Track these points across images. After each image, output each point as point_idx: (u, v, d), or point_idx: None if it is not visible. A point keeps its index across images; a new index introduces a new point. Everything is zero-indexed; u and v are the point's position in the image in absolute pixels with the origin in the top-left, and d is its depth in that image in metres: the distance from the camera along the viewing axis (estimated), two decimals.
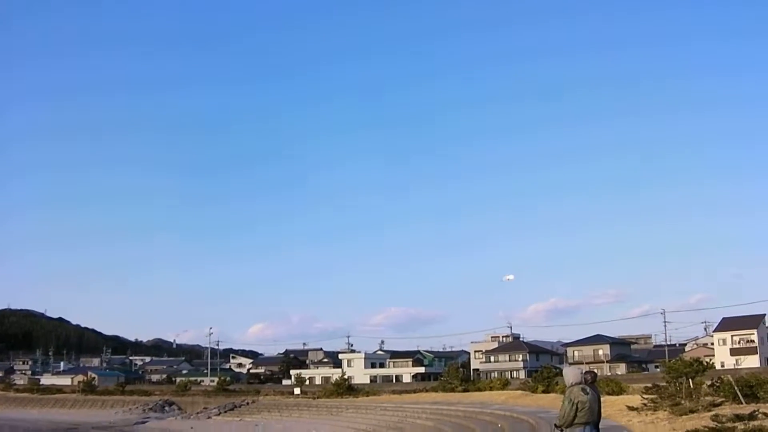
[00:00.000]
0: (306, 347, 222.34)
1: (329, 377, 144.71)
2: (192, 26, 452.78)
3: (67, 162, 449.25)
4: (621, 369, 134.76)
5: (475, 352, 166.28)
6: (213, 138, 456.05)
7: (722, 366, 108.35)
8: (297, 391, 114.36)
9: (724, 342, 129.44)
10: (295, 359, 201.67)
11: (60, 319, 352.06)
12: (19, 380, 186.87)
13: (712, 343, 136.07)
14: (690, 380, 37.64)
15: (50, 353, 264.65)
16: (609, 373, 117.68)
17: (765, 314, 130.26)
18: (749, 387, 34.69)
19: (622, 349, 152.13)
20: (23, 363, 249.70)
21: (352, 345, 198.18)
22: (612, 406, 37.00)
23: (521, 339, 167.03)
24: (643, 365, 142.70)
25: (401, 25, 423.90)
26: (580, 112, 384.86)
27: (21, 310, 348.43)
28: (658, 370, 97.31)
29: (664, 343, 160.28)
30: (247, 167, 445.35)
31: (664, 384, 40.65)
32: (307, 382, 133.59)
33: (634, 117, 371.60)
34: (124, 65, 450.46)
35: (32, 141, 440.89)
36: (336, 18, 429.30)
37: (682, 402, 33.73)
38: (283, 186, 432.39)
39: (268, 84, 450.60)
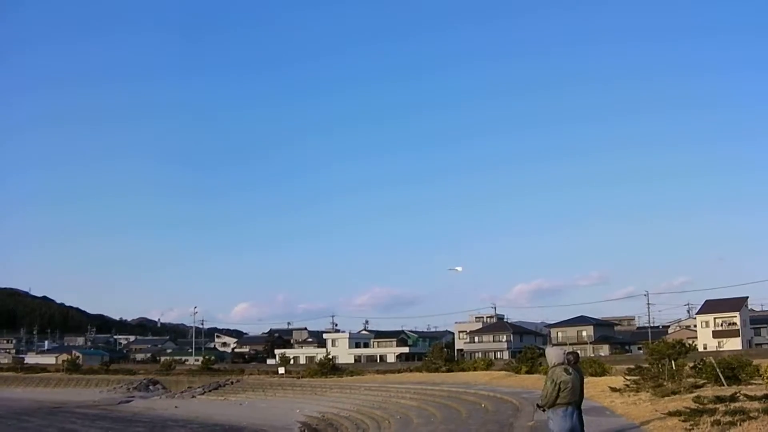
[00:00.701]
0: (291, 327, 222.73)
1: (314, 357, 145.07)
2: (189, 13, 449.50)
3: (56, 144, 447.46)
4: (604, 350, 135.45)
5: (460, 332, 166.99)
6: (204, 125, 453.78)
7: (705, 348, 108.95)
8: (281, 370, 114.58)
9: (707, 324, 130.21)
10: (280, 339, 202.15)
11: (44, 297, 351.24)
12: (3, 359, 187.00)
13: (695, 326, 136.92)
14: (672, 362, 37.86)
15: (34, 332, 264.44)
16: (592, 354, 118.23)
17: (747, 297, 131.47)
18: (731, 369, 34.93)
19: (605, 330, 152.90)
20: (7, 342, 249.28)
21: (336, 325, 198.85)
22: (595, 387, 37.18)
23: (505, 320, 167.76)
24: (626, 347, 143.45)
25: (406, 14, 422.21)
26: (572, 108, 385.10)
27: (5, 288, 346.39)
28: (641, 351, 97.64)
29: (647, 324, 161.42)
30: (231, 152, 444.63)
31: (647, 365, 40.85)
32: (292, 362, 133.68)
33: (624, 114, 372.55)
34: (120, 54, 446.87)
35: (25, 127, 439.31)
36: (336, 7, 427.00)
37: (665, 383, 33.94)
38: (268, 168, 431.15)
39: (265, 74, 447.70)
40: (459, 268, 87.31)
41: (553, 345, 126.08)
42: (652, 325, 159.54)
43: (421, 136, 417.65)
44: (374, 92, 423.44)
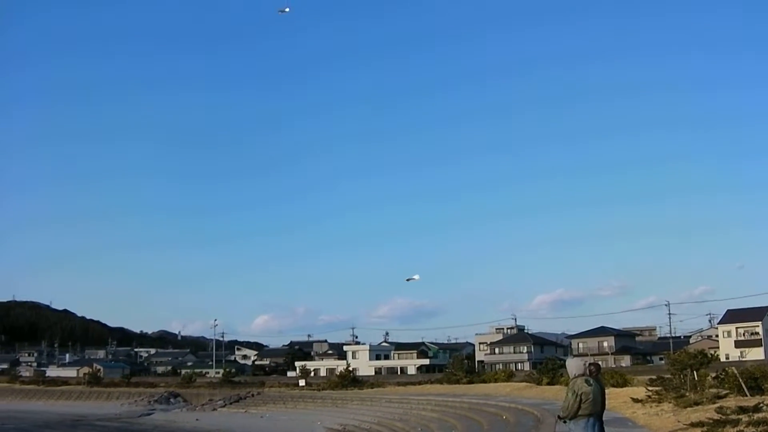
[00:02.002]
0: (311, 339, 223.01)
1: (334, 369, 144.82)
2: (194, 27, 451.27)
3: (68, 154, 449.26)
4: (625, 361, 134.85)
5: (480, 344, 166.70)
6: (219, 136, 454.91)
7: (727, 358, 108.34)
8: (302, 382, 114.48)
9: (729, 334, 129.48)
10: (300, 351, 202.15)
11: (65, 310, 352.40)
12: (25, 372, 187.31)
13: (717, 335, 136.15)
14: (695, 372, 37.68)
15: (56, 345, 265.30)
16: (613, 365, 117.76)
17: None
18: (754, 379, 34.70)
19: (626, 341, 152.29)
20: (29, 355, 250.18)
21: (356, 337, 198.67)
22: (616, 398, 37.05)
23: (526, 331, 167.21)
24: (648, 357, 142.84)
25: (412, 29, 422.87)
26: (593, 121, 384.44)
27: (26, 302, 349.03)
28: (663, 362, 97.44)
29: (668, 335, 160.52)
30: (248, 167, 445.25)
31: (669, 376, 40.69)
32: (312, 374, 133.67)
33: (641, 125, 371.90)
34: (122, 66, 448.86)
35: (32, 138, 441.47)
36: (338, 22, 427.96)
37: (687, 394, 33.78)
38: (288, 180, 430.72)
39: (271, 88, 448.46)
40: (417, 277, 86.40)
41: (574, 356, 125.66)
42: (673, 335, 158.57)
43: (440, 151, 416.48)
44: (396, 103, 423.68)
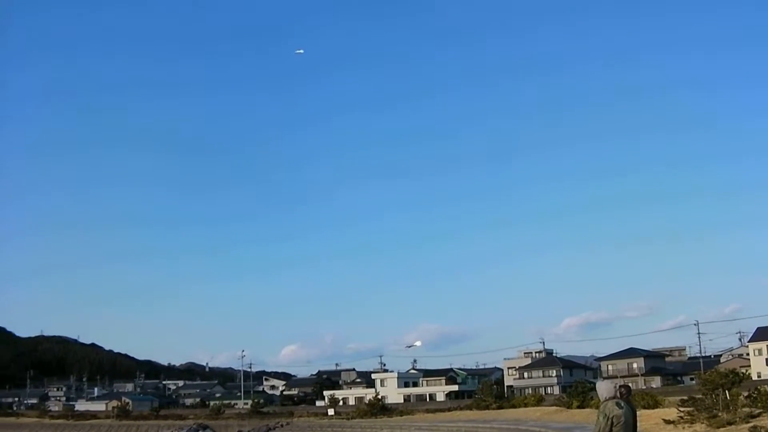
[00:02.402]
0: (339, 368, 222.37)
1: (363, 397, 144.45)
2: (191, 30, 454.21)
3: (81, 179, 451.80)
4: (656, 382, 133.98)
5: (509, 368, 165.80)
6: (237, 152, 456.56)
7: (759, 377, 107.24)
8: (331, 412, 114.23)
9: (760, 352, 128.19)
10: (328, 380, 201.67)
11: (93, 344, 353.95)
12: (54, 406, 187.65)
13: (748, 354, 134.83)
14: (726, 392, 37.27)
15: (84, 379, 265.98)
16: (644, 387, 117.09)
17: None
18: None
19: (656, 361, 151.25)
20: (57, 389, 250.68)
21: (384, 365, 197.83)
22: (648, 420, 36.70)
23: (554, 354, 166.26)
24: (678, 378, 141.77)
25: (416, 33, 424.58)
26: (618, 124, 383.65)
27: (54, 336, 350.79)
28: (694, 382, 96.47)
29: (698, 354, 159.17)
30: (269, 183, 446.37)
31: (701, 396, 40.26)
32: (341, 403, 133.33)
33: (664, 131, 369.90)
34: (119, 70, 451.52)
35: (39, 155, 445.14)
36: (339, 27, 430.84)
37: (720, 414, 33.40)
38: (312, 205, 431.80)
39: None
40: (418, 343, 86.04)
41: (604, 378, 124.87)
42: (703, 354, 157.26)
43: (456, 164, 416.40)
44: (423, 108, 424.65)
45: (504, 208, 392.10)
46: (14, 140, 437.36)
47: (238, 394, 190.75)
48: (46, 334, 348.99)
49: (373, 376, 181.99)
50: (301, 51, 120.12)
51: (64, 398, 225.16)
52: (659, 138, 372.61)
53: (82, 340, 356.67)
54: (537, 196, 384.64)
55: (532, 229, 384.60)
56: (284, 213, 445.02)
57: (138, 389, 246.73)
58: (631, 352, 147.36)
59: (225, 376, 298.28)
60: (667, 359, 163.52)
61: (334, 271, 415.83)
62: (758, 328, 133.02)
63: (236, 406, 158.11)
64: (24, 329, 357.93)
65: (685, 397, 43.85)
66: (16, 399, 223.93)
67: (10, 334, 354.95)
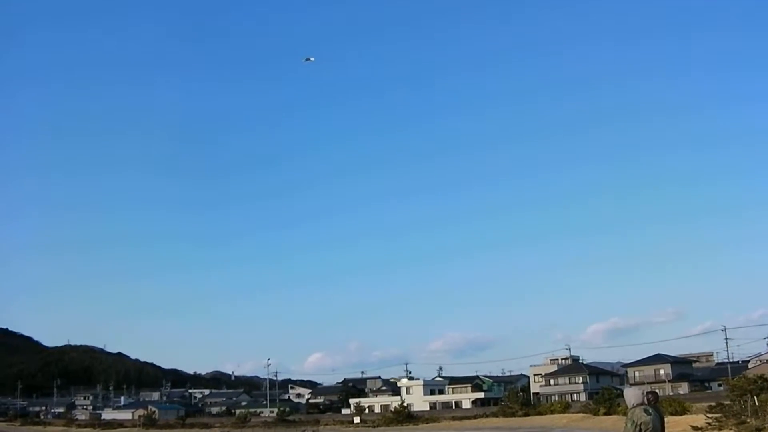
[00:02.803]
0: (364, 376, 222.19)
1: (388, 405, 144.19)
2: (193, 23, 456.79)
3: (111, 195, 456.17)
4: (683, 388, 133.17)
5: (535, 375, 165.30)
6: (267, 166, 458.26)
7: None
8: (357, 420, 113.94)
9: None
10: (354, 388, 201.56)
11: (119, 353, 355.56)
12: (81, 415, 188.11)
13: None
14: (755, 398, 36.94)
15: (110, 388, 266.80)
16: (671, 393, 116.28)
17: None
18: None
19: (683, 368, 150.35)
20: (84, 398, 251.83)
21: (410, 372, 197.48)
22: (676, 427, 36.44)
23: (580, 361, 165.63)
24: (706, 384, 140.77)
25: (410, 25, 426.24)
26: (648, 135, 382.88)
27: (81, 345, 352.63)
28: (722, 388, 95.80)
29: (726, 360, 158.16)
30: (294, 193, 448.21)
31: (729, 402, 39.94)
32: (367, 411, 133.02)
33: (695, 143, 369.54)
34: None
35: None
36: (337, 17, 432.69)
37: (748, 420, 33.11)
38: (338, 217, 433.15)
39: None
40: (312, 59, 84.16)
41: (631, 385, 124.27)
42: (731, 360, 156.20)
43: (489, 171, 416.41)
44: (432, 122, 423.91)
45: (530, 217, 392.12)
46: (51, 160, 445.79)
47: (264, 402, 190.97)
48: (72, 343, 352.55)
49: (399, 383, 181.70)
50: (312, 59, 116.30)
51: (90, 407, 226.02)
52: (687, 151, 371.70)
53: (108, 349, 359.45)
54: (566, 205, 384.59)
55: (558, 236, 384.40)
56: (311, 223, 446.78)
57: (164, 398, 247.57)
58: (658, 359, 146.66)
59: (251, 385, 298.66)
60: (695, 365, 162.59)
61: (360, 279, 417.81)
62: None
63: (262, 415, 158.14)
64: (51, 338, 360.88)
65: (713, 404, 43.50)
66: (43, 408, 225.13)
67: (37, 344, 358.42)
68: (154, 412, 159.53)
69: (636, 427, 14.90)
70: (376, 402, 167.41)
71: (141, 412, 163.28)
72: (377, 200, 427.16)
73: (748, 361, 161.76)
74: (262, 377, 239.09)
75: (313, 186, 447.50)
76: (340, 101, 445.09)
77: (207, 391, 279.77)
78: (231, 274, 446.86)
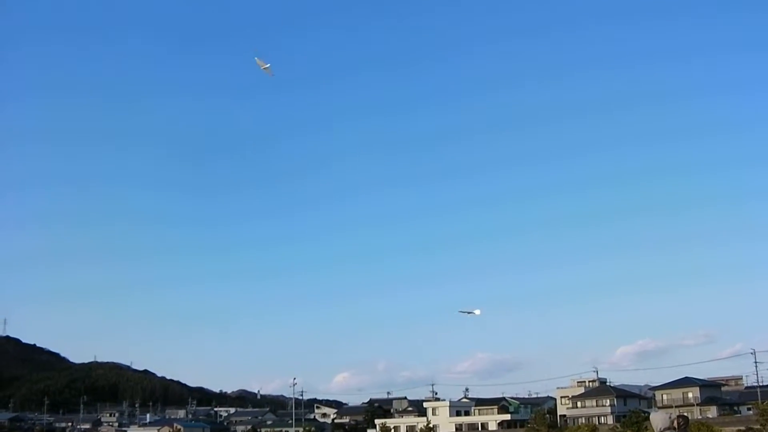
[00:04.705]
0: (390, 396, 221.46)
1: (414, 426, 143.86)
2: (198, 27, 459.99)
3: (136, 212, 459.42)
4: (712, 412, 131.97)
5: (562, 397, 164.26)
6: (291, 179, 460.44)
7: None
8: None
9: None
10: (380, 408, 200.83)
11: (145, 371, 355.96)
12: None
13: None
14: None
15: (136, 405, 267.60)
16: (699, 417, 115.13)
17: None
18: None
19: (712, 391, 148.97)
20: (110, 415, 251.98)
21: (436, 393, 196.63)
22: None
23: (608, 383, 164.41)
24: (735, 408, 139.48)
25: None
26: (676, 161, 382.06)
27: (108, 362, 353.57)
28: (751, 412, 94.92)
29: (756, 384, 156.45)
30: (316, 206, 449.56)
31: (758, 427, 39.41)
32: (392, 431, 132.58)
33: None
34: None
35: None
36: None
37: None
38: (366, 230, 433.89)
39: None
40: (477, 311, 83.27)
41: (659, 408, 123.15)
42: (761, 384, 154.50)
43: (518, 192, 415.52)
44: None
45: (559, 240, 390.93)
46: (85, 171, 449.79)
47: (290, 421, 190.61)
48: (99, 360, 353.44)
49: (425, 404, 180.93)
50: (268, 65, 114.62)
51: (116, 424, 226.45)
52: (721, 173, 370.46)
53: (134, 366, 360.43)
54: (597, 225, 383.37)
55: (587, 259, 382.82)
56: (340, 235, 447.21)
57: (190, 416, 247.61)
58: (686, 381, 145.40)
59: (276, 404, 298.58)
60: (724, 389, 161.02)
61: (388, 299, 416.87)
62: None
63: None
64: (78, 355, 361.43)
65: (743, 428, 42.99)
66: (70, 424, 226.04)
67: (64, 360, 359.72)
68: (180, 429, 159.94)
69: None
70: (402, 423, 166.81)
71: (167, 429, 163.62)
72: (411, 224, 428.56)
73: None
74: (288, 396, 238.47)
75: (343, 199, 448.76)
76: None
77: (232, 410, 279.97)
78: (259, 292, 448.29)
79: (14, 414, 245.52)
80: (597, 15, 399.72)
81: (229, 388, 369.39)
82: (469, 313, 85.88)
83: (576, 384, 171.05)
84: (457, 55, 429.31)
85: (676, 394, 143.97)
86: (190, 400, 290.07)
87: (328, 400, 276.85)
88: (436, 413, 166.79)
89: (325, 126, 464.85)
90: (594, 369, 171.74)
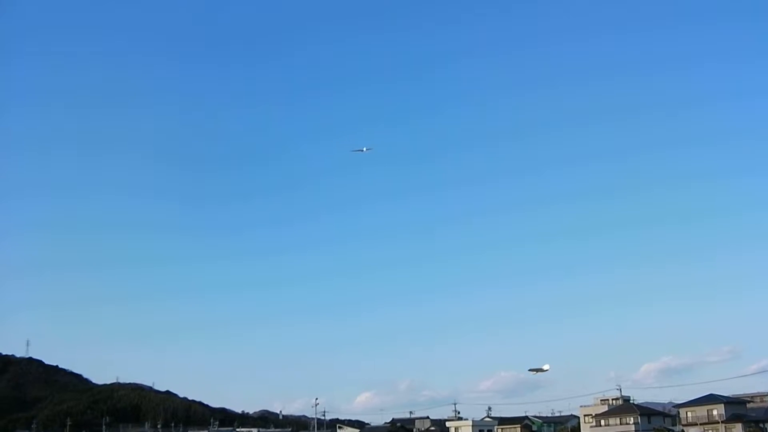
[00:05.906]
0: (413, 416, 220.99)
1: None
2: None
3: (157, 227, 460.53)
4: (737, 429, 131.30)
5: (585, 416, 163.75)
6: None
7: None
8: None
9: None
10: (402, 428, 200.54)
11: (167, 392, 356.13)
12: None
13: None
14: None
15: (159, 426, 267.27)
16: None
17: None
18: None
19: (737, 408, 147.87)
20: None
21: (459, 412, 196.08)
22: None
23: (632, 401, 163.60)
24: (761, 425, 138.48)
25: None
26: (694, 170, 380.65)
27: (129, 383, 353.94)
28: None
29: None
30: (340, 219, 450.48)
31: None
32: None
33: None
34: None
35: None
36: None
37: None
38: (385, 251, 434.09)
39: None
40: (546, 367, 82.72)
41: (683, 426, 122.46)
42: None
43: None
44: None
45: (582, 254, 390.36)
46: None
47: None
48: (121, 381, 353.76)
49: (448, 424, 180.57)
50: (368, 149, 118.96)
51: None
52: (747, 180, 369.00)
53: (157, 387, 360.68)
54: (619, 242, 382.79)
55: (608, 276, 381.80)
56: (363, 248, 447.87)
57: None
58: (711, 399, 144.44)
59: (299, 424, 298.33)
60: (749, 405, 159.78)
61: (411, 317, 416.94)
62: None
63: None
64: (100, 376, 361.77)
65: None
66: None
67: (86, 381, 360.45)
68: None
69: None
70: None
71: None
72: (433, 239, 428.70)
73: None
74: (310, 417, 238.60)
75: (360, 208, 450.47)
76: None
77: (255, 430, 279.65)
78: (282, 311, 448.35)
79: None
80: (596, 24, 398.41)
81: (251, 408, 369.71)
82: (538, 371, 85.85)
83: (599, 402, 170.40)
84: (454, 65, 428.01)
85: (701, 411, 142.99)
86: (212, 420, 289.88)
87: (350, 420, 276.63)
88: None
89: (328, 136, 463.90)
90: (617, 387, 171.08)
